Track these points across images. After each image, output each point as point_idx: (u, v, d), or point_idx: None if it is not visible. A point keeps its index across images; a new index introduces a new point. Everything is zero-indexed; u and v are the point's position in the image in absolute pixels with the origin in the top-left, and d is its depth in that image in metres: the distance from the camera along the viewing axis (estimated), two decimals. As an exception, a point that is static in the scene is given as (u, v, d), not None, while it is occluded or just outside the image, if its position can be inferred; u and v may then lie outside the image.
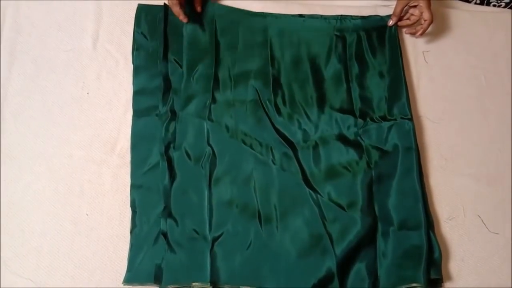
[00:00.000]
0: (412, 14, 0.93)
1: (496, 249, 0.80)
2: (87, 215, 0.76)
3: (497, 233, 0.82)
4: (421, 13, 0.90)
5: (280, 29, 0.93)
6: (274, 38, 0.92)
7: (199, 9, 0.89)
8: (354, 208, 0.77)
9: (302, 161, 0.81)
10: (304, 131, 0.84)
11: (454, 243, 0.80)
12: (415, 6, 0.91)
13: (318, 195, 0.78)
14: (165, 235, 0.73)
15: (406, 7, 0.91)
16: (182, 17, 0.87)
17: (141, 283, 0.70)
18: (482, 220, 0.82)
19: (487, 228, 0.82)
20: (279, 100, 0.86)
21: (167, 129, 0.81)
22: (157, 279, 0.70)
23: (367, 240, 0.75)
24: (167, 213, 0.74)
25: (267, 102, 0.85)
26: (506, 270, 0.79)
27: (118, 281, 0.71)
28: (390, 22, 0.93)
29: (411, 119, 0.84)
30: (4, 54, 0.86)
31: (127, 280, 0.70)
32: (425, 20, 0.90)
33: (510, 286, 0.78)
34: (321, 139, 0.83)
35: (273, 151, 0.81)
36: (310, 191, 0.78)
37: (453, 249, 0.79)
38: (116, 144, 0.82)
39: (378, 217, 0.77)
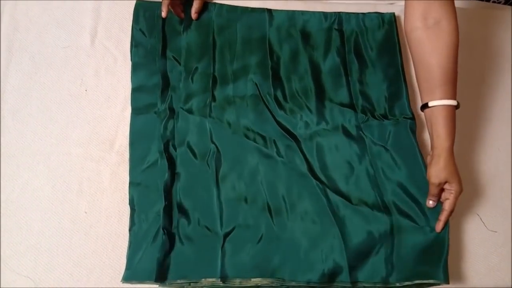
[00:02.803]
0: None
1: (494, 247, 0.80)
2: (85, 212, 0.76)
3: (496, 232, 0.82)
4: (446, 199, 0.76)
5: (278, 23, 0.93)
6: (273, 32, 0.92)
7: (195, 16, 0.89)
8: (362, 202, 0.77)
9: (306, 153, 0.81)
10: (306, 123, 0.84)
11: (453, 241, 0.79)
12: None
13: (325, 187, 0.78)
14: (167, 230, 0.73)
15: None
16: (164, 14, 0.87)
17: (140, 281, 0.69)
18: (480, 219, 0.82)
19: (485, 226, 0.82)
20: (279, 93, 0.86)
21: (165, 127, 0.81)
22: (159, 277, 0.69)
23: (382, 234, 0.74)
24: (176, 208, 0.75)
25: (267, 95, 0.85)
26: (504, 268, 0.79)
27: (117, 279, 0.71)
28: (431, 204, 0.77)
29: (413, 118, 0.84)
30: (2, 50, 0.86)
31: (126, 278, 0.69)
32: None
33: (509, 285, 0.78)
34: (324, 131, 0.83)
35: (277, 143, 0.81)
36: (317, 182, 0.78)
37: (451, 248, 0.78)
38: (114, 141, 0.81)
39: (393, 212, 0.76)
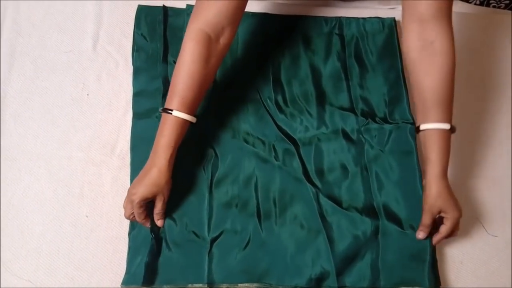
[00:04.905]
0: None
1: (495, 251, 0.80)
2: (86, 216, 0.76)
3: (496, 236, 0.82)
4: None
5: (279, 27, 0.93)
6: (273, 36, 0.92)
7: (159, 223, 0.73)
8: (352, 207, 0.78)
9: (303, 157, 0.81)
10: (306, 127, 0.84)
11: (453, 245, 0.80)
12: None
13: (318, 191, 0.78)
14: (155, 234, 0.73)
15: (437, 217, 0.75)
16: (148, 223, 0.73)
17: (139, 286, 0.69)
18: (481, 223, 0.82)
19: (486, 230, 0.82)
20: (279, 98, 0.86)
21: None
22: (146, 281, 0.70)
23: (368, 239, 0.75)
24: (166, 213, 0.74)
25: (268, 100, 0.86)
26: (505, 273, 0.79)
27: (118, 282, 0.71)
28: (420, 235, 0.74)
29: (413, 123, 0.85)
30: (4, 55, 0.86)
31: (125, 283, 0.70)
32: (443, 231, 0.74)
33: (509, 289, 0.78)
34: (323, 135, 0.83)
35: (276, 148, 0.81)
36: (310, 186, 0.78)
37: (452, 252, 0.79)
38: (115, 145, 0.82)
39: (381, 217, 0.77)
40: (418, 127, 0.75)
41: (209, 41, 0.71)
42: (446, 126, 0.72)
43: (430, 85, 0.72)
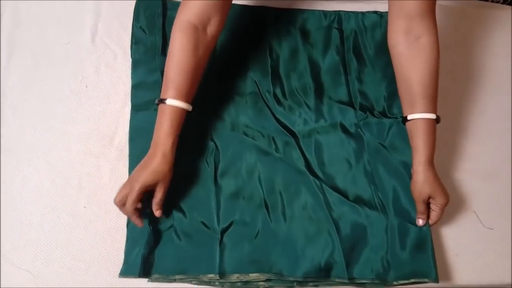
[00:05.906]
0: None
1: (490, 244, 0.81)
2: (85, 207, 0.76)
3: (492, 229, 0.82)
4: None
5: (277, 21, 0.93)
6: (272, 30, 0.92)
7: (157, 213, 0.72)
8: (359, 199, 0.78)
9: (304, 150, 0.82)
10: (305, 120, 0.85)
11: (449, 238, 0.80)
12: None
13: (322, 183, 0.79)
14: (153, 226, 0.73)
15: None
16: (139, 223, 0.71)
17: (136, 276, 0.70)
18: (477, 216, 0.83)
19: (482, 223, 0.82)
20: (278, 91, 0.87)
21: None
22: (142, 272, 0.70)
23: (377, 232, 0.76)
24: (173, 205, 0.75)
25: (267, 93, 0.86)
26: (500, 265, 0.80)
27: (115, 273, 0.71)
28: (420, 222, 0.76)
29: None
30: (3, 47, 0.86)
31: (123, 273, 0.70)
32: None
33: (504, 282, 0.79)
34: (322, 128, 0.84)
35: (275, 140, 0.82)
36: (314, 178, 0.79)
37: (448, 244, 0.80)
38: (114, 137, 0.82)
39: (389, 210, 0.77)
40: (406, 117, 0.77)
41: (196, 31, 0.72)
42: (432, 116, 0.75)
43: (417, 78, 0.75)
